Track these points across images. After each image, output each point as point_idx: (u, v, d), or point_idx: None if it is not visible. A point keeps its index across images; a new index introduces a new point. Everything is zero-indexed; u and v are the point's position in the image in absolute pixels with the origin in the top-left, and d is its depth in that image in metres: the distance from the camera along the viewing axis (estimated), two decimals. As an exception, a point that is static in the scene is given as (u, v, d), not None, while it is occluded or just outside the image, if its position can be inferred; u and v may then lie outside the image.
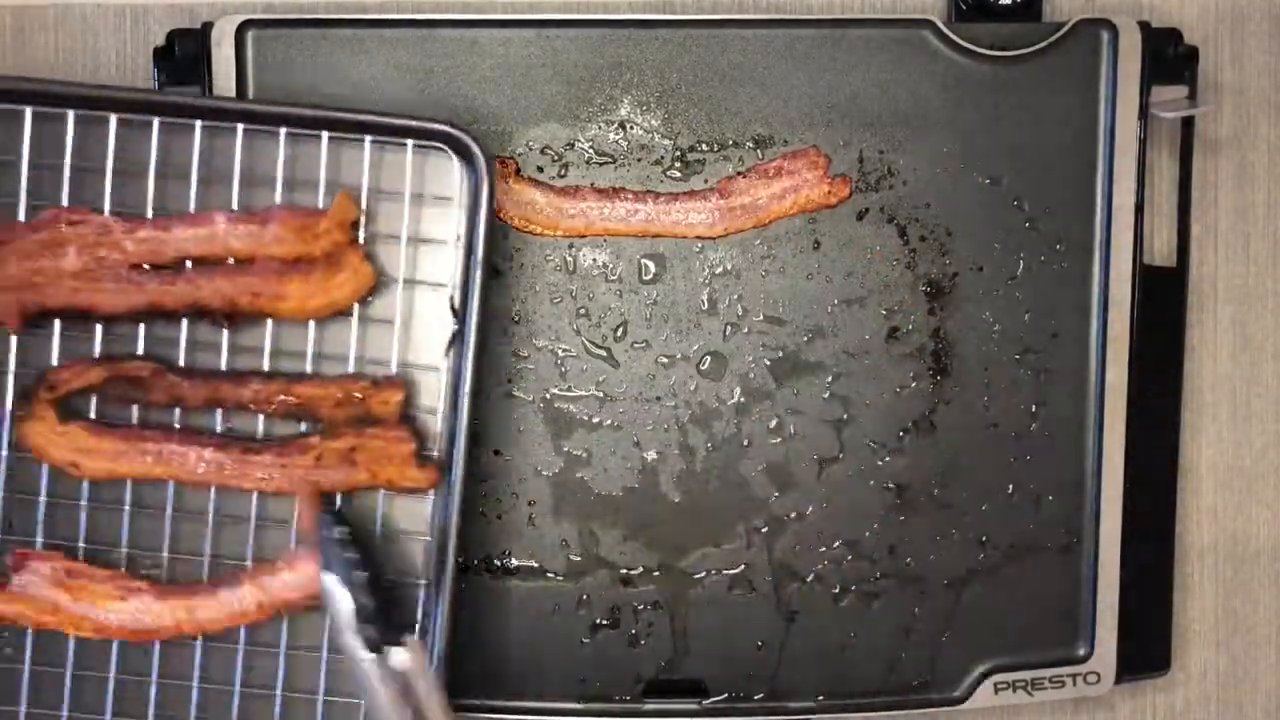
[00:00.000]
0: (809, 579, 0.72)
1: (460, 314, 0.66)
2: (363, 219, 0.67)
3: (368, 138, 0.66)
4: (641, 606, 0.72)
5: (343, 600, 0.62)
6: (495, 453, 0.71)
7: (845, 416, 0.72)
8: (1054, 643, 0.73)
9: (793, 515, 0.72)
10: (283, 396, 0.66)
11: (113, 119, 0.66)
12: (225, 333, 0.67)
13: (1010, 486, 0.72)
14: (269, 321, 0.67)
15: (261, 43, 0.69)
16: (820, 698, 0.72)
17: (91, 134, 0.66)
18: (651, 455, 0.71)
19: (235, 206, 0.66)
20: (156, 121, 0.66)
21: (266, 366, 0.67)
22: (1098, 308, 0.72)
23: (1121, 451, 0.72)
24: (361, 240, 0.67)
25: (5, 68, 0.73)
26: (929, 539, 0.72)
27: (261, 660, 0.68)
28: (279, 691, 0.67)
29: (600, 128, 0.71)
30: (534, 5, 0.74)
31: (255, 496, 0.67)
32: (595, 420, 0.71)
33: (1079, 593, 0.73)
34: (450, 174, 0.67)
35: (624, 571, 0.72)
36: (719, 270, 0.71)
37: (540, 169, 0.71)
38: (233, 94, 0.69)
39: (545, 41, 0.70)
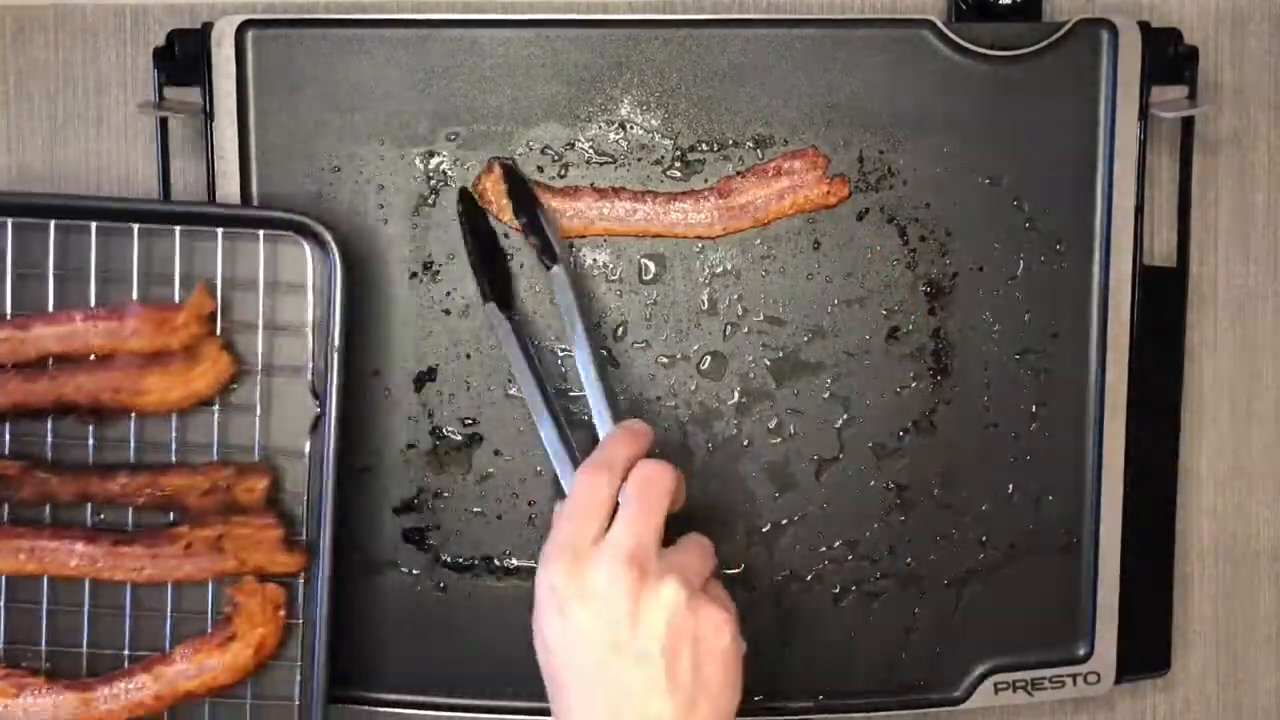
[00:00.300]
0: (809, 579, 0.72)
1: (320, 397, 0.67)
2: (219, 310, 0.68)
3: (220, 230, 0.68)
4: (641, 606, 0.72)
5: None
6: (495, 453, 0.71)
7: (845, 416, 0.72)
8: (1054, 643, 0.73)
9: (793, 515, 0.72)
10: (150, 489, 0.67)
11: None
12: (90, 428, 0.68)
13: (1010, 486, 0.72)
14: (133, 415, 0.68)
15: (261, 43, 0.69)
16: (820, 698, 0.72)
17: None
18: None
19: (93, 303, 0.68)
20: (10, 222, 0.67)
21: (133, 459, 0.68)
22: (1098, 308, 0.71)
23: (1121, 451, 0.72)
24: (219, 330, 0.68)
25: (6, 68, 0.74)
26: (929, 539, 0.72)
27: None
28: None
29: (600, 128, 0.71)
30: (534, 5, 0.74)
31: (129, 588, 0.68)
32: (595, 420, 0.71)
33: (1079, 593, 0.73)
34: (303, 260, 0.68)
35: (624, 571, 0.72)
36: (719, 270, 0.71)
37: (540, 169, 0.71)
38: (233, 94, 0.69)
39: (545, 41, 0.70)
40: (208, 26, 0.69)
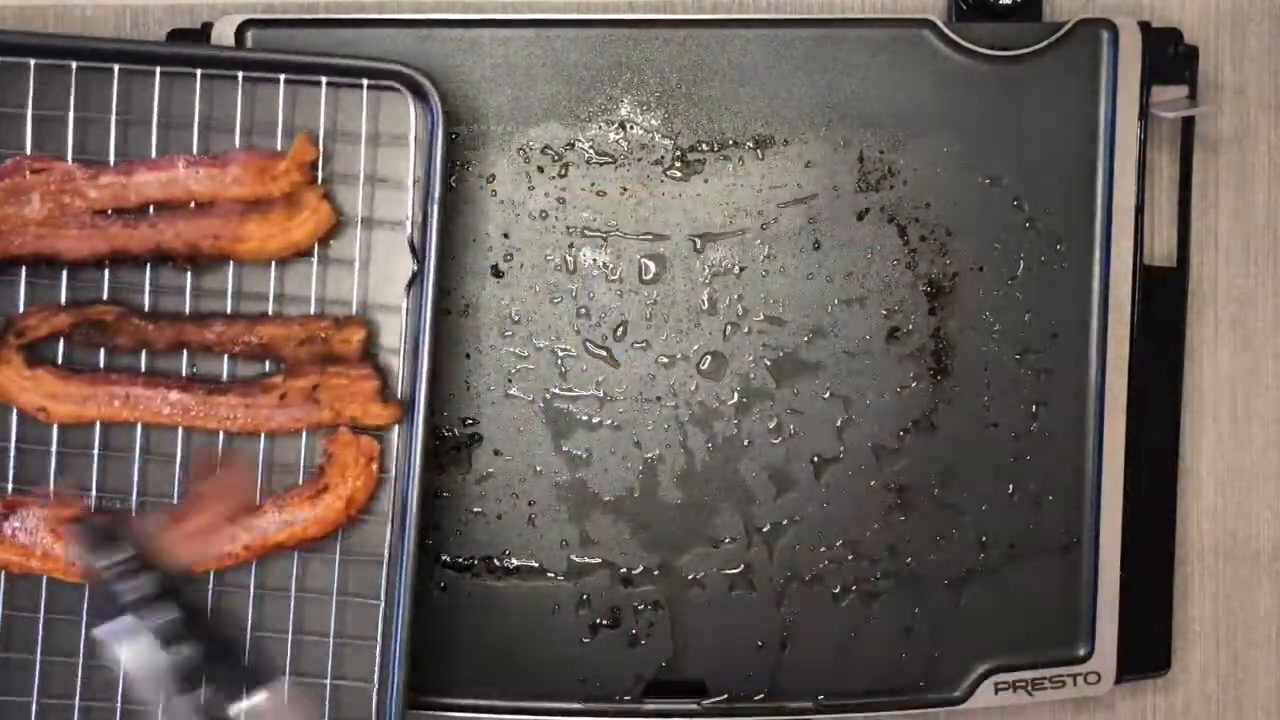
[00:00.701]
0: (809, 579, 0.72)
1: (419, 253, 0.67)
2: (321, 160, 0.67)
3: (324, 79, 0.67)
4: (641, 606, 0.72)
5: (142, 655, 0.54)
6: (495, 453, 0.71)
7: (845, 416, 0.72)
8: (1054, 643, 0.73)
9: (793, 515, 0.72)
10: (246, 337, 0.67)
11: (74, 66, 0.66)
12: (189, 276, 0.67)
13: (1010, 486, 0.72)
14: (231, 264, 0.67)
15: (261, 43, 0.69)
16: (820, 698, 0.72)
17: (54, 82, 0.66)
18: (651, 455, 0.71)
19: (195, 151, 0.67)
20: (117, 69, 0.66)
21: (230, 309, 0.67)
22: (1098, 308, 0.71)
23: (1121, 451, 0.72)
24: (320, 181, 0.67)
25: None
26: (929, 539, 0.72)
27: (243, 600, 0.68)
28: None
29: (600, 128, 0.71)
30: (534, 5, 0.74)
31: (222, 436, 0.67)
32: (595, 420, 0.71)
33: (1079, 593, 0.73)
34: (406, 114, 0.67)
35: (624, 571, 0.72)
36: (719, 270, 0.71)
37: (541, 169, 0.71)
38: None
39: (545, 41, 0.70)
40: (208, 26, 0.69)
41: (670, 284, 0.71)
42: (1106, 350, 0.71)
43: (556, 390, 0.71)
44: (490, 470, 0.71)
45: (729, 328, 0.71)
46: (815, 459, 0.72)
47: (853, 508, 0.72)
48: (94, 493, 0.67)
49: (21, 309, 0.67)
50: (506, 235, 0.71)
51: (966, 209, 0.71)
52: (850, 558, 0.72)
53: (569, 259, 0.71)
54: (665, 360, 0.71)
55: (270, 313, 0.67)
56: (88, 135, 0.67)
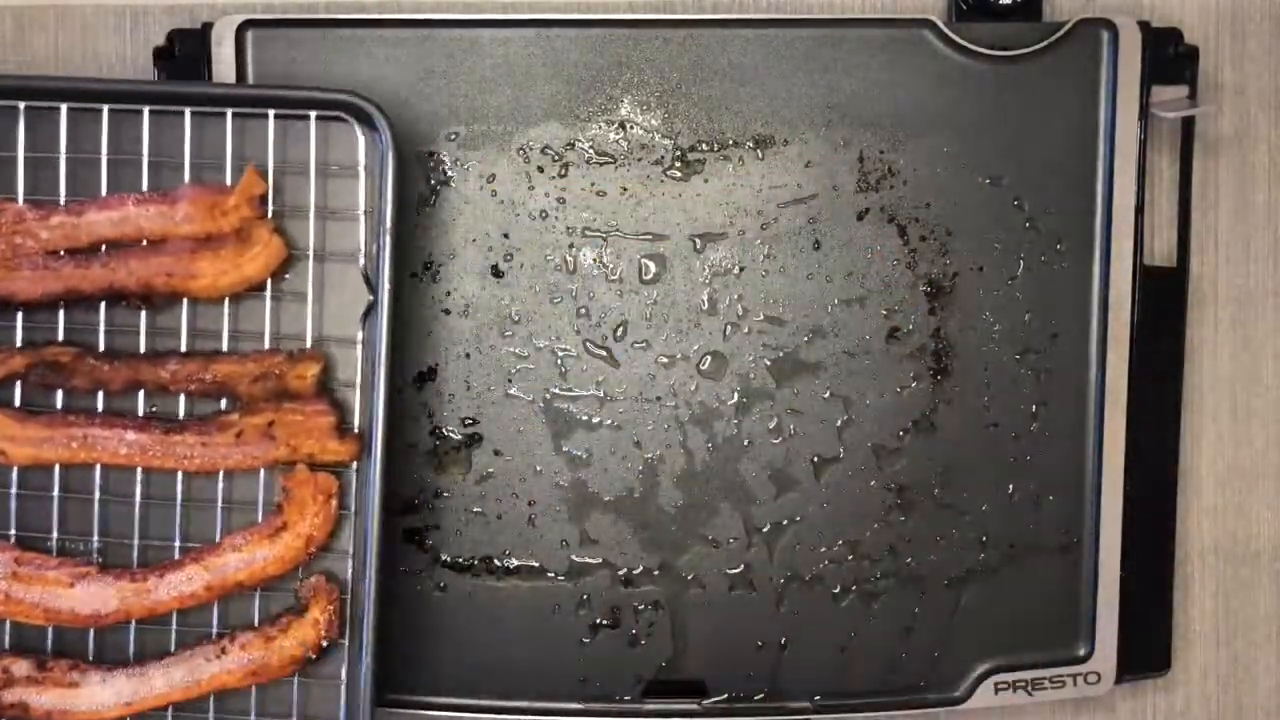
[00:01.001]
0: (809, 579, 0.72)
1: (373, 284, 0.67)
2: (271, 193, 0.67)
3: (271, 112, 0.67)
4: (641, 606, 0.72)
5: None
6: (495, 453, 0.71)
7: (845, 417, 0.72)
8: (1054, 643, 0.73)
9: (793, 515, 0.72)
10: (201, 375, 0.66)
11: (21, 107, 0.66)
12: (143, 314, 0.67)
13: (1010, 486, 0.72)
14: (184, 301, 0.67)
15: (261, 43, 0.69)
16: (820, 698, 0.72)
17: (2, 122, 0.67)
18: (651, 455, 0.71)
19: (145, 188, 0.67)
20: (65, 108, 0.66)
21: (185, 346, 0.67)
22: (1098, 308, 0.72)
23: (1121, 451, 0.72)
24: (271, 214, 0.67)
25: (6, 68, 0.73)
26: (929, 539, 0.72)
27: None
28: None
29: (600, 128, 0.71)
30: (534, 5, 0.74)
31: (181, 477, 0.68)
32: (595, 420, 0.71)
33: (1079, 593, 0.73)
34: (354, 144, 0.67)
35: (624, 571, 0.72)
36: (719, 270, 0.71)
37: (541, 169, 0.71)
38: (233, 94, 0.69)
39: (545, 41, 0.70)
40: (208, 26, 0.69)
41: (670, 284, 0.71)
42: (1106, 350, 0.71)
43: (556, 390, 0.71)
44: (490, 470, 0.71)
45: (729, 328, 0.71)
46: (815, 459, 0.72)
47: (853, 508, 0.72)
48: (55, 535, 0.68)
49: None
50: (506, 235, 0.71)
51: (966, 209, 0.71)
52: (850, 558, 0.72)
53: (569, 259, 0.71)
54: (665, 360, 0.71)
55: (225, 349, 0.67)
56: (38, 175, 0.67)
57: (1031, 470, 0.72)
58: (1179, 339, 0.74)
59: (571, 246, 0.71)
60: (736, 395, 0.72)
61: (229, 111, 0.67)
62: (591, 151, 0.71)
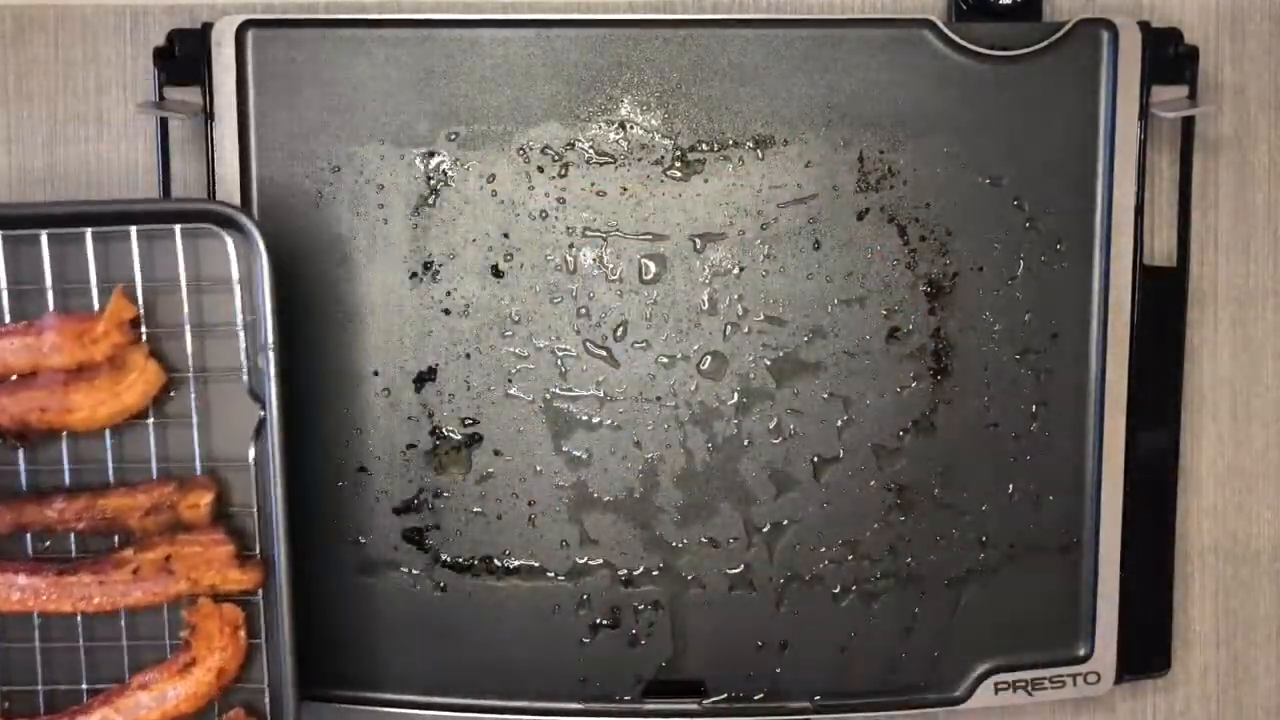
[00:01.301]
0: (809, 579, 0.72)
1: (260, 399, 0.64)
2: (143, 315, 0.64)
3: (133, 228, 0.64)
4: (641, 606, 0.72)
5: None
6: (495, 453, 0.71)
7: (845, 417, 0.72)
8: (1054, 643, 0.73)
9: (793, 515, 0.72)
10: (89, 513, 0.64)
11: None
12: (20, 453, 0.65)
13: (1010, 486, 0.72)
14: (64, 434, 0.65)
15: (261, 43, 0.69)
16: (819, 698, 0.72)
17: None
18: (651, 455, 0.71)
19: (6, 318, 0.64)
20: None
21: (69, 481, 0.65)
22: (1098, 308, 0.72)
23: (1121, 451, 0.72)
24: (145, 336, 0.64)
25: (6, 68, 0.74)
26: (929, 539, 0.72)
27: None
28: None
29: (600, 128, 0.71)
30: (534, 5, 0.74)
31: (80, 618, 0.65)
32: (595, 420, 0.71)
33: (1079, 593, 0.73)
34: (225, 253, 0.64)
35: (624, 572, 0.72)
36: (719, 270, 0.71)
37: (541, 169, 0.71)
38: (233, 94, 0.69)
39: (545, 41, 0.70)
40: (208, 26, 0.69)
41: (670, 284, 0.71)
42: (1106, 350, 0.71)
43: (556, 390, 0.71)
44: (490, 470, 0.71)
45: (729, 328, 0.71)
46: (815, 459, 0.72)
47: (853, 508, 0.72)
48: None
49: None
50: (506, 235, 0.71)
51: (966, 209, 0.71)
52: (850, 558, 0.72)
53: (569, 259, 0.71)
54: (665, 360, 0.71)
55: (112, 481, 0.65)
56: None
57: (1031, 470, 0.72)
58: (1179, 339, 0.74)
59: (571, 246, 0.71)
60: (736, 395, 0.72)
61: (88, 232, 0.63)
62: (591, 151, 0.71)
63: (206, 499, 0.65)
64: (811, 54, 0.70)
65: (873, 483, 0.72)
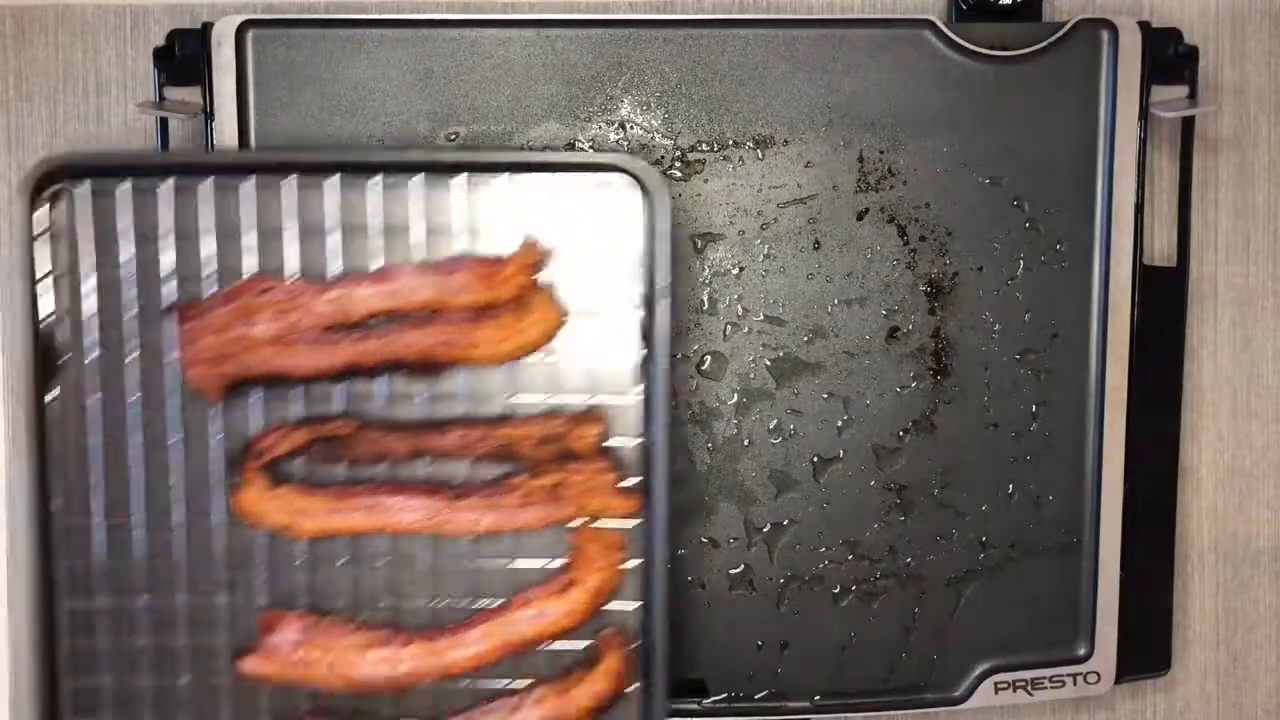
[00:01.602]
0: (809, 579, 0.72)
1: (649, 340, 0.67)
2: (545, 257, 0.67)
3: (543, 176, 0.67)
4: (642, 606, 0.72)
5: None
6: (495, 453, 0.71)
7: (845, 417, 0.72)
8: (1054, 643, 0.73)
9: (793, 515, 0.72)
10: (484, 441, 0.67)
11: (294, 180, 0.66)
12: (420, 383, 0.67)
13: (1010, 486, 0.72)
14: (463, 367, 0.67)
15: (261, 43, 0.69)
16: (820, 698, 0.72)
17: (271, 198, 0.66)
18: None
19: (418, 258, 0.67)
20: (338, 177, 0.66)
21: (465, 412, 0.67)
22: (1098, 308, 0.72)
23: (1121, 451, 0.72)
24: (545, 278, 0.67)
25: (6, 68, 0.74)
26: (929, 539, 0.72)
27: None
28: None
29: (600, 128, 0.71)
30: (534, 5, 0.74)
31: (467, 540, 0.68)
32: (595, 420, 0.71)
33: (1079, 593, 0.73)
34: (626, 203, 0.67)
35: (624, 571, 0.72)
36: (719, 270, 0.71)
37: (540, 169, 0.71)
38: (233, 94, 0.69)
39: (545, 41, 0.70)
40: (208, 26, 0.69)
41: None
42: (1106, 350, 0.71)
43: (557, 390, 0.71)
44: (490, 470, 0.71)
45: (729, 328, 0.71)
46: (815, 459, 0.72)
47: (853, 508, 0.72)
48: (345, 604, 0.67)
49: (257, 427, 0.67)
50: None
51: (966, 209, 0.71)
52: (850, 558, 0.72)
53: (569, 259, 0.71)
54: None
55: (506, 412, 0.67)
56: (309, 249, 0.66)
57: (1031, 470, 0.72)
58: (1179, 339, 0.74)
59: (571, 246, 0.71)
60: (736, 395, 0.72)
61: (504, 176, 0.66)
62: (592, 151, 0.71)
63: (595, 431, 0.67)
64: (811, 54, 0.70)
65: (873, 483, 0.72)
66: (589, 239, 0.67)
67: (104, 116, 0.74)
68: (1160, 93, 0.71)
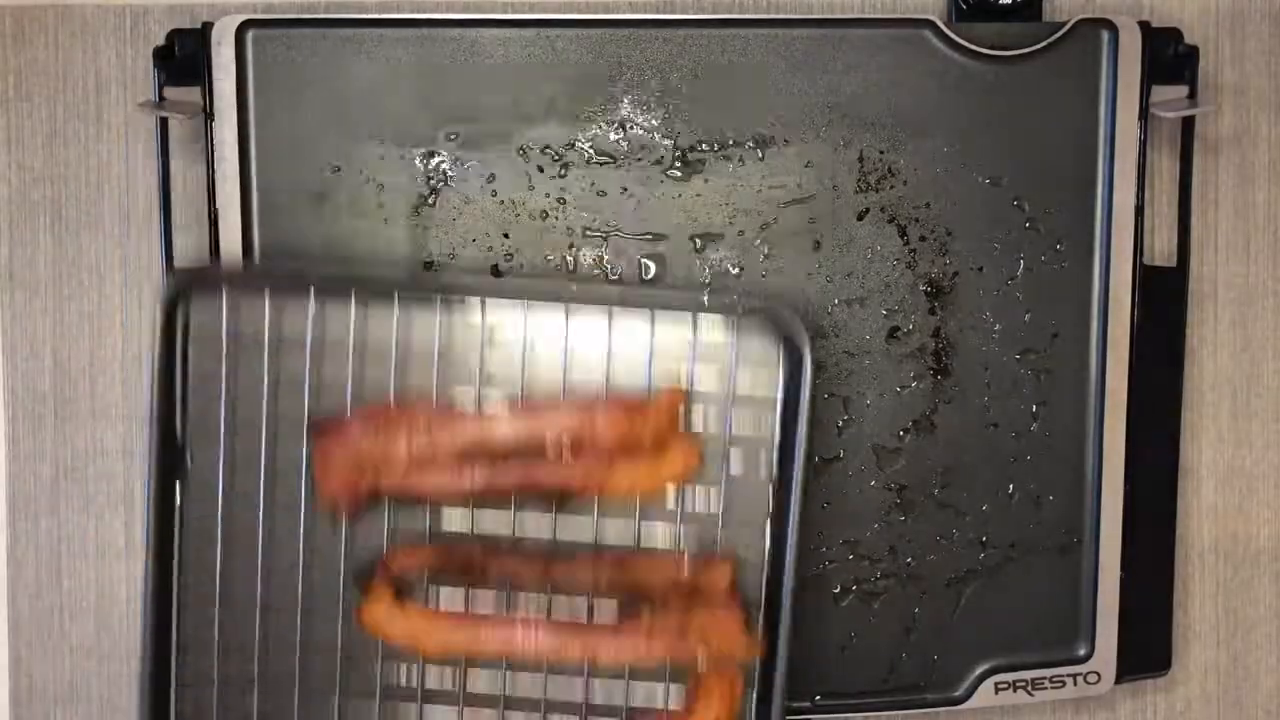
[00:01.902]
0: (809, 579, 0.72)
1: (781, 482, 0.67)
2: (688, 402, 0.68)
3: (687, 314, 0.67)
4: (642, 606, 0.72)
5: None
6: (495, 453, 0.71)
7: (845, 417, 0.72)
8: (1054, 643, 0.73)
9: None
10: (613, 576, 0.67)
11: (437, 301, 0.67)
12: (554, 513, 0.68)
13: (1010, 486, 0.72)
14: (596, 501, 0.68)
15: (261, 43, 0.69)
16: (820, 698, 0.72)
17: (412, 319, 0.67)
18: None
19: (564, 390, 0.67)
20: (479, 301, 0.67)
21: (594, 542, 0.68)
22: (1098, 308, 0.71)
23: (1121, 451, 0.72)
24: (685, 417, 0.68)
25: (6, 68, 0.74)
26: (929, 539, 0.72)
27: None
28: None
29: (600, 128, 0.71)
30: (534, 5, 0.74)
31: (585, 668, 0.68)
32: (595, 420, 0.71)
33: (1079, 593, 0.73)
34: (767, 347, 0.67)
35: (624, 571, 0.72)
36: (719, 270, 0.71)
37: (541, 169, 0.71)
38: (233, 94, 0.69)
39: (545, 41, 0.70)
40: (208, 26, 0.69)
41: (670, 284, 0.71)
42: (1106, 350, 0.71)
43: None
44: (490, 470, 0.71)
45: (729, 328, 0.71)
46: (815, 459, 0.72)
47: (852, 508, 0.72)
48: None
49: (386, 543, 0.68)
50: (506, 235, 0.71)
51: (966, 209, 0.71)
52: (850, 558, 0.72)
53: (569, 259, 0.71)
54: (665, 360, 0.71)
55: (634, 548, 0.68)
56: (447, 371, 0.67)
57: (1031, 470, 0.72)
58: (1179, 339, 0.74)
59: (571, 246, 0.71)
60: (736, 395, 0.72)
61: (650, 312, 0.67)
62: (591, 151, 0.71)
63: (726, 576, 0.67)
64: (811, 54, 0.70)
65: (873, 483, 0.72)
66: (729, 381, 0.67)
67: (104, 116, 0.74)
68: (1160, 93, 0.71)
